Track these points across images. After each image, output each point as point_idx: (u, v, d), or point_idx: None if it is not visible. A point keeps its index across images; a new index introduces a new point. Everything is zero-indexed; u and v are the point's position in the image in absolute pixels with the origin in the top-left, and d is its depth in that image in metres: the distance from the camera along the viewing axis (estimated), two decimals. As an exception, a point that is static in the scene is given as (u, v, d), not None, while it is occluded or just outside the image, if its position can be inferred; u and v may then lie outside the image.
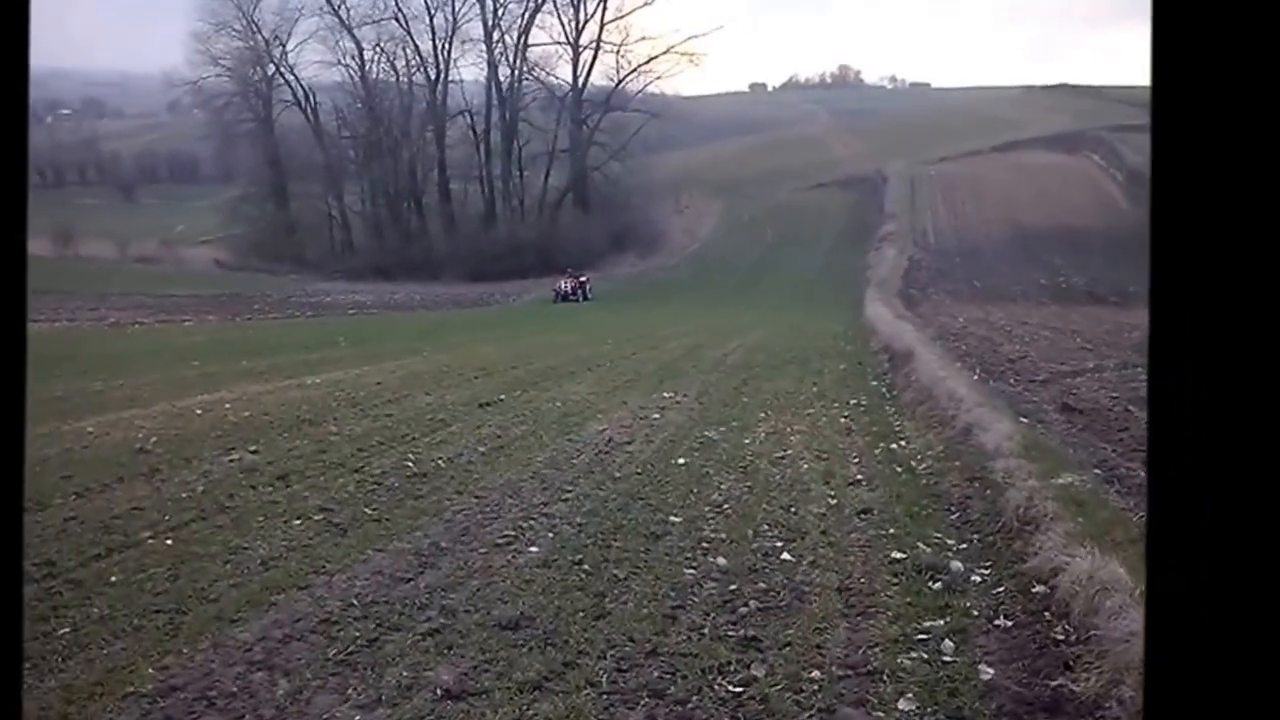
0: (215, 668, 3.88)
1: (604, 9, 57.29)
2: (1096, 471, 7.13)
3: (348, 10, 56.49)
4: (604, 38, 57.40)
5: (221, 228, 58.79)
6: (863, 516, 6.17)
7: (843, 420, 10.04)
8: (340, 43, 56.96)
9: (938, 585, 4.79)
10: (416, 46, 57.29)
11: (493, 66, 57.27)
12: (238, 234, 56.89)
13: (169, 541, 5.57)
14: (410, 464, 7.75)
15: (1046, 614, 4.29)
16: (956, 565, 5.08)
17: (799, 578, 4.97)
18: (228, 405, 10.61)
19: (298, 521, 6.05)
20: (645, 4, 66.64)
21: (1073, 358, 15.85)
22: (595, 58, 57.68)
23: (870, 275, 38.68)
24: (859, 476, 7.38)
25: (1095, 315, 26.42)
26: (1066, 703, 3.49)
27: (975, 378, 12.28)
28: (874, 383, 13.15)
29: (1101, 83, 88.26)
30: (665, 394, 11.92)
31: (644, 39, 64.85)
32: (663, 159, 64.04)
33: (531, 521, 6.10)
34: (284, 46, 57.50)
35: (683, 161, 69.49)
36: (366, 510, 6.36)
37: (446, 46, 57.25)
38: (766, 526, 5.97)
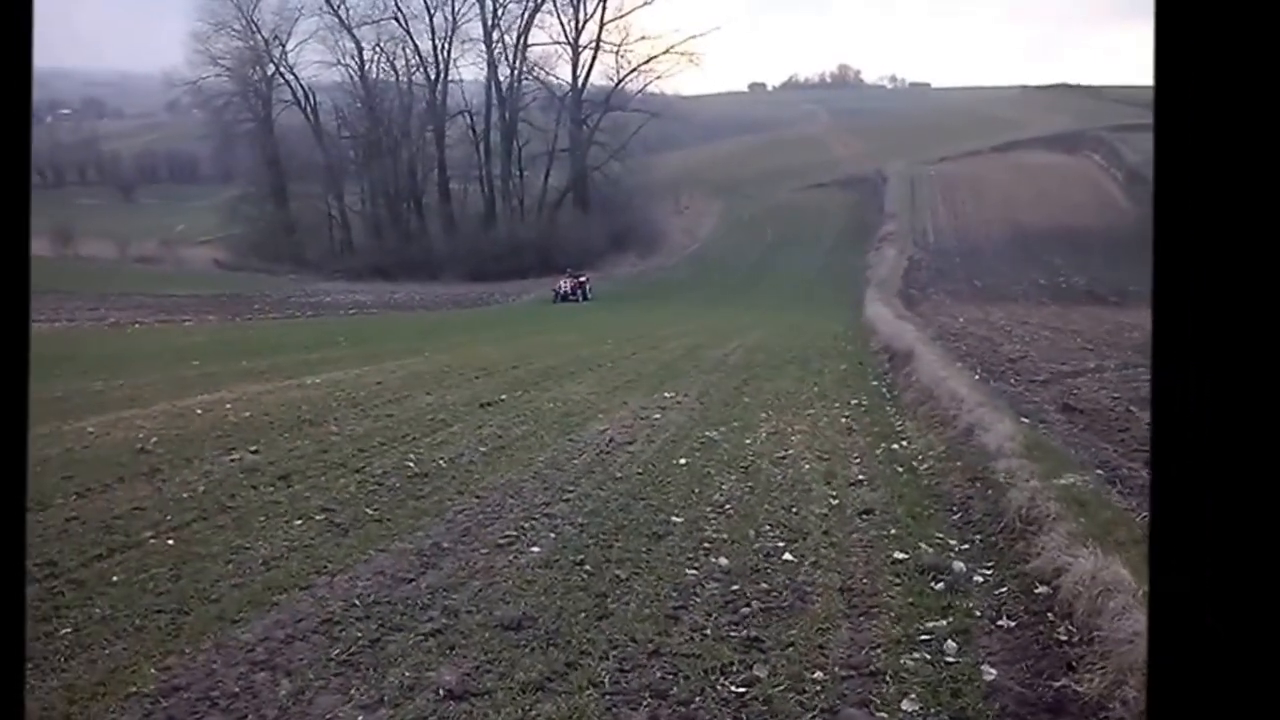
0: (217, 668, 3.87)
1: (603, 9, 57.43)
2: (1098, 472, 7.11)
3: (347, 10, 56.66)
4: (604, 37, 57.55)
5: (221, 228, 58.86)
6: (864, 517, 6.16)
7: (844, 420, 10.04)
8: (340, 42, 57.12)
9: (940, 586, 4.79)
10: (416, 46, 57.44)
11: (492, 66, 57.43)
12: (237, 234, 56.96)
13: (170, 541, 5.57)
14: (411, 464, 7.75)
15: (1049, 615, 4.28)
16: (959, 566, 5.07)
17: (801, 578, 4.97)
18: (228, 405, 10.61)
19: (299, 521, 6.05)
20: (645, 4, 66.82)
21: (1073, 358, 15.85)
22: (595, 57, 57.82)
23: (870, 275, 38.68)
24: (860, 477, 7.37)
25: (1095, 315, 26.44)
26: (1070, 704, 3.48)
27: (976, 378, 12.27)
28: (874, 383, 13.14)
29: (1101, 83, 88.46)
30: (666, 394, 11.92)
31: (644, 39, 65.16)
32: (662, 159, 64.08)
33: (533, 521, 6.09)
34: (283, 46, 57.67)
35: (682, 161, 69.53)
36: (368, 510, 6.36)
37: (446, 46, 57.39)
38: (768, 527, 5.96)
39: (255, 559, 5.28)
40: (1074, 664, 3.73)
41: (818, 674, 3.78)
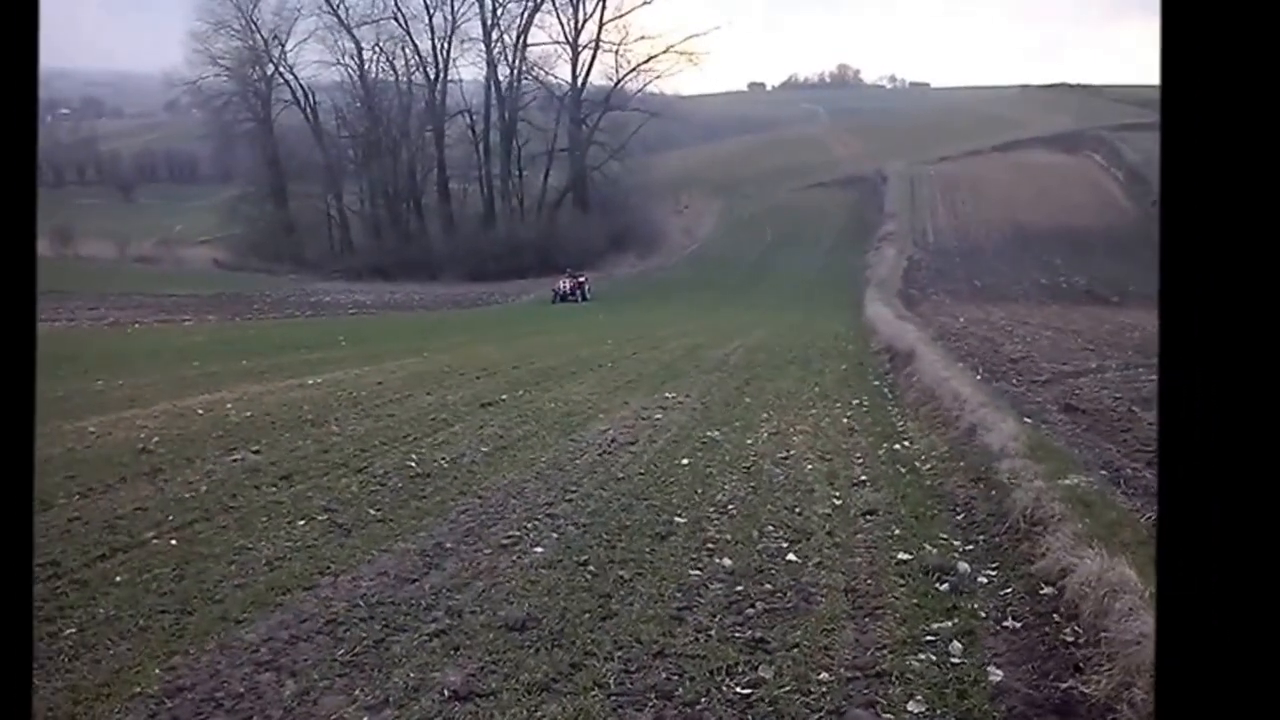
0: (222, 668, 3.87)
1: (603, 8, 57.39)
2: (1102, 472, 7.10)
3: (346, 10, 56.60)
4: (603, 37, 57.49)
5: (220, 227, 58.87)
6: (868, 517, 6.15)
7: (845, 420, 10.03)
8: (339, 42, 57.09)
9: (945, 586, 4.78)
10: (415, 46, 57.39)
11: (492, 66, 57.38)
12: (237, 234, 56.98)
13: (173, 542, 5.56)
14: (413, 464, 7.74)
15: (1055, 615, 4.27)
16: (963, 566, 5.07)
17: (805, 579, 4.96)
18: (229, 405, 10.60)
19: (302, 522, 6.04)
20: (645, 3, 66.61)
21: (1075, 358, 15.84)
22: (594, 57, 57.77)
23: (870, 275, 38.63)
24: (863, 477, 7.36)
25: (1096, 315, 26.43)
26: (1077, 705, 3.47)
27: (977, 378, 12.25)
28: (876, 383, 13.13)
29: (1102, 82, 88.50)
30: (667, 394, 11.91)
31: (643, 38, 64.96)
32: (662, 158, 64.07)
33: (536, 522, 6.08)
34: (283, 46, 57.66)
35: (682, 161, 69.52)
36: (370, 510, 6.35)
37: (445, 46, 57.35)
38: (771, 527, 5.96)
39: (258, 559, 5.27)
40: (1081, 665, 3.72)
41: (823, 675, 3.77)
